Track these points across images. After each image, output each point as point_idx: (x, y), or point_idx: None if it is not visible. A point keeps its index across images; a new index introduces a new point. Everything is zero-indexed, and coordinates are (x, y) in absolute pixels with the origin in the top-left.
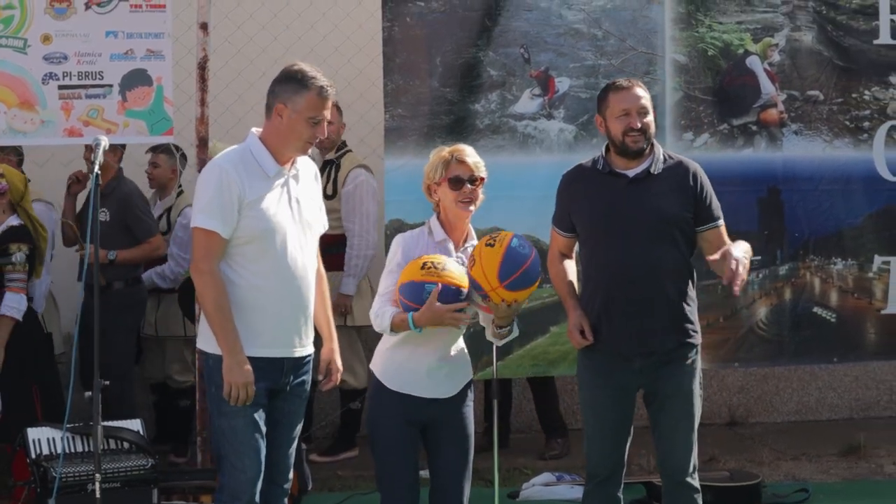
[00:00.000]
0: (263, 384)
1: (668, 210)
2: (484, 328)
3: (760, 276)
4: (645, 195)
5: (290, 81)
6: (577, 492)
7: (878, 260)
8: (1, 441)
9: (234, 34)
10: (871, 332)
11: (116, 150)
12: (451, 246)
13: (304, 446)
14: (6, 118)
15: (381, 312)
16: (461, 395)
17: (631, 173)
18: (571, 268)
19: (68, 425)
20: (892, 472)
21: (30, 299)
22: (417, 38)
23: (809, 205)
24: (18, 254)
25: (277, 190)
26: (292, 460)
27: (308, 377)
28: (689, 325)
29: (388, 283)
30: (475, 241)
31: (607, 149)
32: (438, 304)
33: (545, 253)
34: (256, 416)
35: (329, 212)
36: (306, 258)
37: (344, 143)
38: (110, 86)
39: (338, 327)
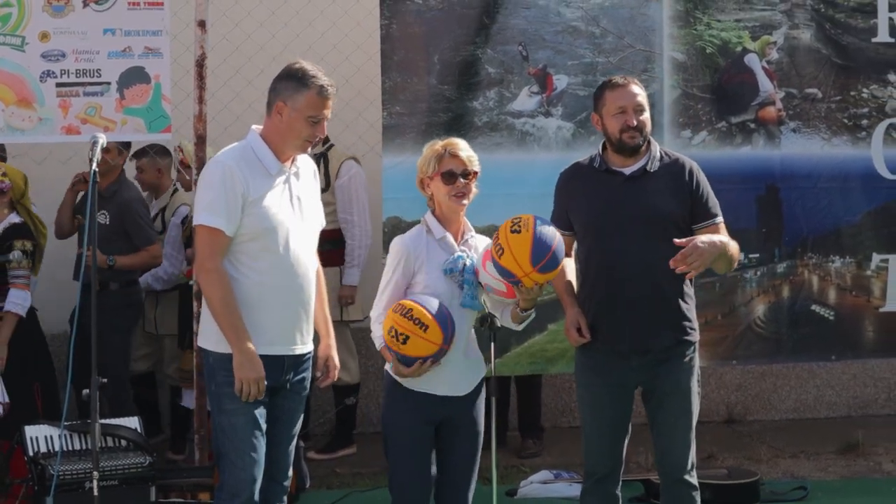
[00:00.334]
0: (265, 383)
1: (665, 207)
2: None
3: (759, 273)
4: (641, 193)
5: (291, 79)
6: (575, 489)
7: (876, 258)
8: (2, 438)
9: (232, 32)
10: (870, 330)
11: (122, 153)
12: (451, 240)
13: (301, 444)
14: (4, 116)
15: (375, 329)
16: (475, 393)
17: (627, 171)
18: (570, 266)
19: (66, 423)
20: (890, 470)
21: None
22: (415, 35)
23: (808, 203)
24: (16, 251)
25: (279, 187)
26: (292, 458)
27: (308, 374)
28: (687, 323)
29: (390, 292)
30: (473, 233)
31: (604, 146)
32: (402, 366)
33: None
34: (257, 413)
35: (324, 205)
36: (308, 256)
37: (327, 138)
38: (108, 83)
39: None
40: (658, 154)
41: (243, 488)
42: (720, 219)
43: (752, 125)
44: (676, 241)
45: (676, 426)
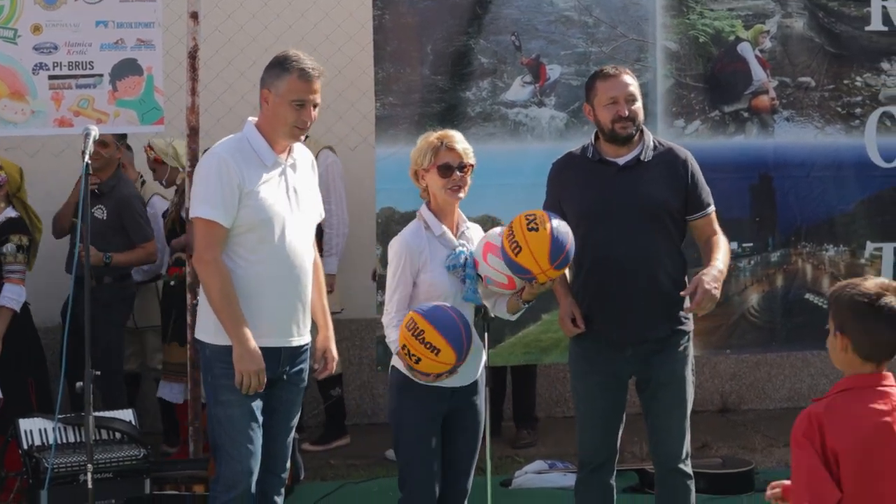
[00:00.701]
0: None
1: (659, 198)
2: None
3: (752, 262)
4: (635, 183)
5: (274, 67)
6: (569, 479)
7: (870, 246)
8: None
9: (224, 23)
10: None
11: (120, 147)
12: (450, 235)
13: (296, 435)
14: None
15: (390, 333)
16: (476, 383)
17: (621, 161)
18: None
19: (60, 416)
20: None
21: None
22: (408, 26)
23: (801, 191)
24: (9, 245)
25: (275, 179)
26: (290, 450)
27: (306, 366)
28: (682, 313)
29: (399, 293)
30: (469, 225)
31: (596, 136)
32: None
33: None
34: (253, 405)
35: None
36: (304, 247)
37: None
38: (101, 76)
39: None
40: (651, 143)
41: (239, 480)
42: (712, 208)
43: (746, 114)
44: (683, 293)
45: (671, 416)
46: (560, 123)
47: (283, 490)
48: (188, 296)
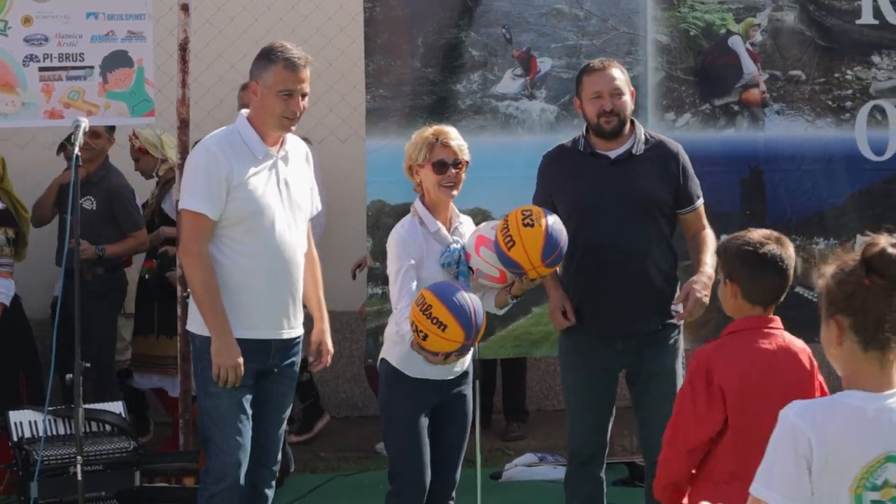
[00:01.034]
0: (251, 366)
1: (650, 192)
2: None
3: None
4: (627, 177)
5: (261, 59)
6: (559, 472)
7: (860, 240)
8: None
9: (215, 15)
10: None
11: (111, 139)
12: (444, 232)
13: (286, 428)
14: None
15: (402, 326)
16: (466, 372)
17: (613, 154)
18: None
19: (50, 408)
20: None
21: None
22: (399, 18)
23: (791, 185)
24: None
25: (265, 171)
26: (281, 442)
27: (297, 359)
28: (672, 306)
29: (401, 281)
30: (462, 219)
31: (587, 129)
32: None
33: None
34: (242, 397)
35: None
36: (295, 240)
37: None
38: (91, 67)
39: None
40: (643, 137)
41: (228, 472)
42: (701, 201)
43: (736, 107)
44: (674, 302)
45: (661, 409)
46: (551, 116)
47: (273, 482)
48: (178, 288)
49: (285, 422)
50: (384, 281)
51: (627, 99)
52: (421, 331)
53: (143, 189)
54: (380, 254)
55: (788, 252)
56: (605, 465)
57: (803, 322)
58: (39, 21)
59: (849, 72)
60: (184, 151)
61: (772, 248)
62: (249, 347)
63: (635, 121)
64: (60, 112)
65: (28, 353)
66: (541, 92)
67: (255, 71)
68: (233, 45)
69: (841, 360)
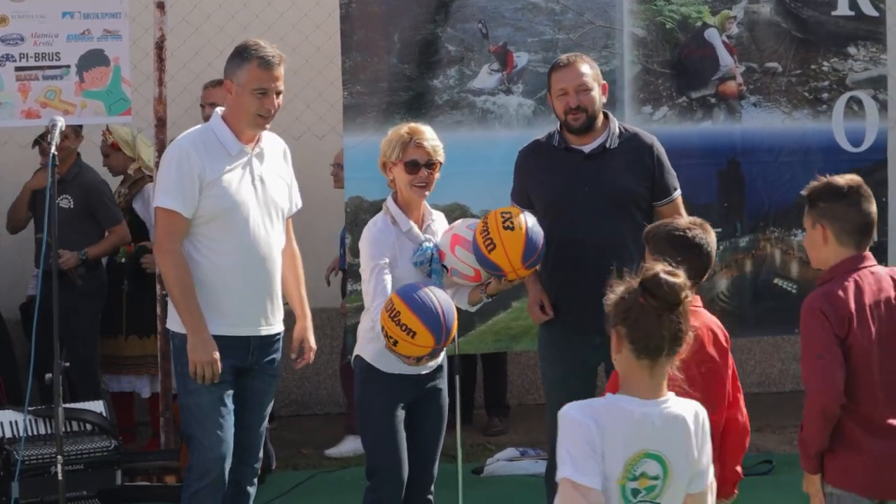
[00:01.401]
0: (229, 362)
1: (625, 185)
2: None
3: (721, 248)
4: (602, 171)
5: (234, 57)
6: (540, 466)
7: None
8: None
9: (191, 13)
10: None
11: (79, 136)
12: (416, 231)
13: (267, 425)
14: None
15: (376, 326)
16: (440, 367)
17: (587, 149)
18: None
19: (30, 408)
20: None
21: None
22: (375, 14)
23: (769, 176)
24: None
25: (239, 168)
26: (262, 439)
27: (278, 356)
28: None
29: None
30: (434, 217)
31: (562, 124)
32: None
33: None
34: (224, 393)
35: None
36: (271, 237)
37: None
38: (67, 66)
39: None
40: (617, 130)
41: (211, 468)
42: (678, 192)
43: (713, 100)
44: None
45: None
46: (528, 111)
47: (256, 480)
48: (157, 286)
49: (266, 419)
50: None
51: (595, 94)
52: (391, 336)
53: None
54: (358, 250)
55: (711, 237)
56: None
57: (783, 312)
58: (15, 21)
59: (825, 63)
60: (161, 150)
61: (697, 232)
62: (228, 344)
63: (609, 114)
64: (37, 112)
65: (4, 356)
66: (518, 86)
67: (230, 69)
68: (209, 43)
69: (620, 365)
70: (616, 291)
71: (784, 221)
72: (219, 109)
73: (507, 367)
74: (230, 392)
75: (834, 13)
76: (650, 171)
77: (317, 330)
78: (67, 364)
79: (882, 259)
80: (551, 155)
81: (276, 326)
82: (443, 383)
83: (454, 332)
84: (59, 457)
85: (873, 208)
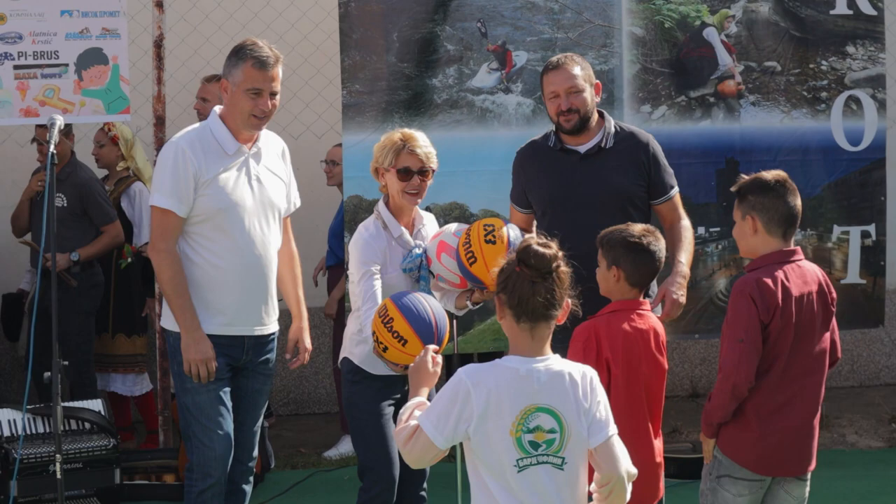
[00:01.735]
0: (224, 359)
1: (621, 185)
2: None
3: (720, 247)
4: (598, 171)
5: (231, 57)
6: None
7: (837, 230)
8: None
9: (189, 12)
10: None
11: (70, 135)
12: (407, 236)
13: (266, 424)
14: None
15: (364, 330)
16: None
17: (582, 149)
18: None
19: (29, 406)
20: (854, 442)
21: None
22: (374, 13)
23: None
24: None
25: (236, 168)
26: (257, 438)
27: (272, 355)
28: (648, 299)
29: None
30: (425, 221)
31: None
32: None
33: None
34: (221, 390)
35: None
36: (267, 237)
37: None
38: (66, 65)
39: None
40: (612, 129)
41: (214, 467)
42: (675, 191)
43: (712, 99)
44: (652, 305)
45: None
46: (527, 110)
47: (251, 478)
48: (157, 285)
49: (261, 418)
50: None
51: (587, 95)
52: (381, 342)
53: None
54: None
55: (661, 244)
56: None
57: None
58: (13, 19)
59: (824, 62)
60: (160, 148)
61: (651, 239)
62: (222, 342)
63: (605, 113)
64: (36, 110)
65: None
66: (516, 86)
67: (226, 69)
68: (208, 42)
69: (505, 329)
70: (500, 264)
71: None
72: (217, 108)
73: None
74: (227, 390)
75: (832, 12)
76: (646, 170)
77: (315, 329)
78: (66, 363)
79: (881, 258)
80: (547, 156)
81: (271, 326)
82: None
83: (446, 340)
84: (58, 455)
85: (798, 201)
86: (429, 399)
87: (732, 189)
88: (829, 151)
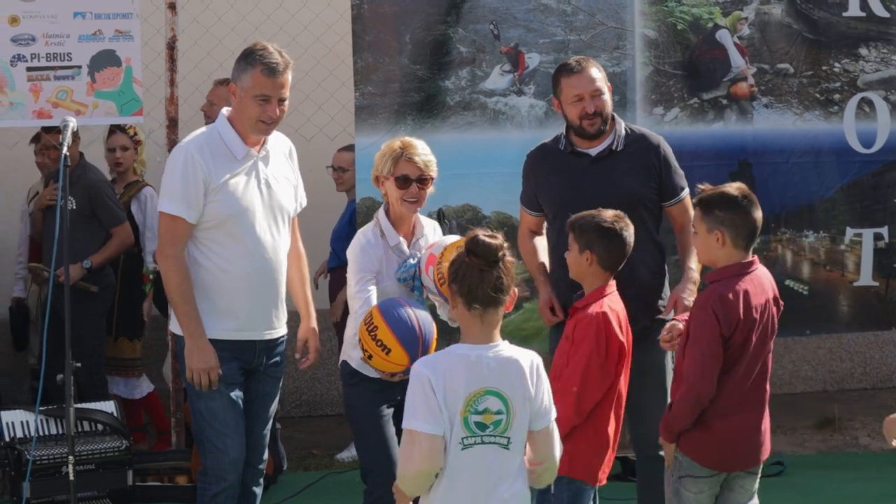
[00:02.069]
0: (237, 363)
1: (632, 188)
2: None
3: None
4: (609, 173)
5: (240, 60)
6: None
7: (850, 232)
8: None
9: (202, 13)
10: (844, 305)
11: (76, 137)
12: (404, 247)
13: (278, 426)
14: None
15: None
16: None
17: (594, 152)
18: (542, 245)
19: (41, 408)
20: (867, 444)
21: None
22: (387, 15)
23: (781, 178)
24: None
25: (245, 172)
26: (267, 441)
27: (282, 358)
28: (661, 302)
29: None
30: (426, 231)
31: (568, 127)
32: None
33: (517, 230)
34: (234, 395)
35: None
36: (277, 241)
37: None
38: (79, 67)
39: None
40: (623, 132)
41: (228, 471)
42: (686, 192)
43: (725, 101)
44: (664, 312)
45: (651, 403)
46: (539, 112)
47: (261, 480)
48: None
49: (271, 420)
50: None
51: (608, 98)
52: (366, 350)
53: None
54: None
55: (631, 230)
56: None
57: (794, 314)
58: (26, 21)
59: (836, 64)
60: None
61: (621, 224)
62: (233, 347)
63: (615, 116)
64: (49, 112)
65: None
66: (529, 88)
67: (235, 72)
68: (220, 44)
69: (458, 318)
70: (451, 258)
71: (796, 223)
72: (224, 110)
73: None
74: (240, 394)
75: (845, 14)
76: (657, 172)
77: (328, 331)
78: (79, 364)
79: (893, 260)
80: (558, 159)
81: (281, 329)
82: None
83: (432, 350)
84: (71, 457)
85: (760, 214)
86: None
87: (694, 200)
88: (841, 153)
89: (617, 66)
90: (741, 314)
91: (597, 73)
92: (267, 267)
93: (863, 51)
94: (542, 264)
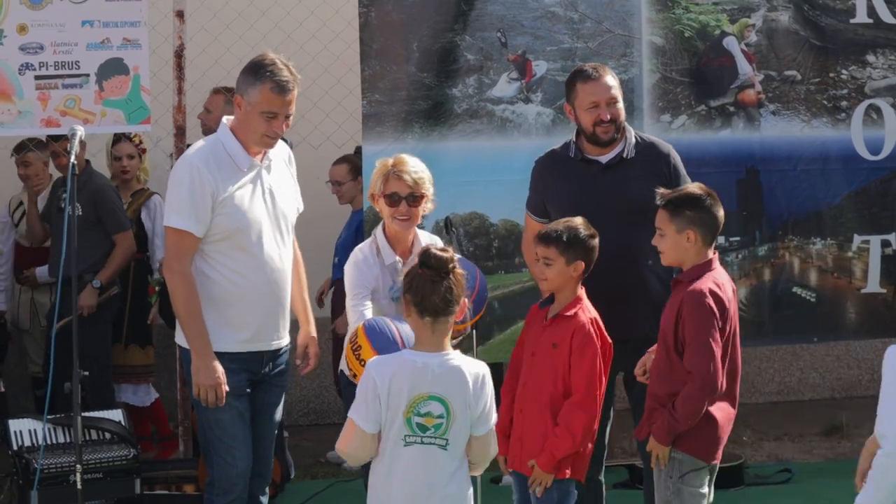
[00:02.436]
0: (245, 375)
1: (642, 195)
2: None
3: (740, 256)
4: (619, 181)
5: (248, 73)
6: None
7: (857, 239)
8: None
9: (210, 22)
10: (852, 312)
11: (83, 145)
12: (400, 266)
13: (286, 434)
14: None
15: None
16: None
17: (604, 159)
18: None
19: (49, 416)
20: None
21: None
22: (394, 23)
23: (788, 185)
24: None
25: (250, 183)
26: (272, 450)
27: (286, 367)
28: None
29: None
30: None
31: (578, 133)
32: None
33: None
34: (242, 408)
35: None
36: (282, 251)
37: None
38: (87, 75)
39: None
40: (633, 140)
41: (235, 483)
42: None
43: (732, 108)
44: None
45: None
46: (547, 119)
47: (267, 490)
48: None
49: (276, 429)
50: None
51: (622, 105)
52: (351, 369)
53: None
54: None
55: (596, 240)
56: (604, 468)
57: (802, 321)
58: (35, 29)
59: (844, 71)
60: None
61: (590, 233)
62: (242, 358)
63: (626, 124)
64: (57, 120)
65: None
66: (536, 95)
67: (242, 85)
68: (228, 52)
69: (411, 326)
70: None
71: (803, 230)
72: (225, 119)
73: None
74: (247, 404)
75: (852, 21)
76: (667, 180)
77: (330, 341)
78: (87, 373)
79: None
80: (568, 166)
81: (285, 339)
82: None
83: None
84: (78, 465)
85: (723, 212)
86: None
87: (659, 202)
88: (849, 160)
89: (624, 74)
90: (727, 305)
91: (612, 81)
92: (275, 277)
93: (870, 57)
94: None
